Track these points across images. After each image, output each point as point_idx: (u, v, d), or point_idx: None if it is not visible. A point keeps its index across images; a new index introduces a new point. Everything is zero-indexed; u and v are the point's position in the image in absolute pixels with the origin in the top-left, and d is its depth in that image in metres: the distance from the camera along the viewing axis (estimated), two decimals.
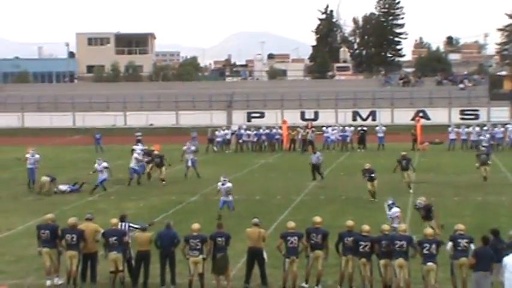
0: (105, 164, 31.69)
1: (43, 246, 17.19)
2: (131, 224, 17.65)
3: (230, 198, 25.78)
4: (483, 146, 40.57)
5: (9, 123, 72.82)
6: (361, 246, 16.07)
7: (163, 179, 33.50)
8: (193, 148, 37.18)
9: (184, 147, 37.13)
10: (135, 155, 34.52)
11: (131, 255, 17.27)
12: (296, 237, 16.31)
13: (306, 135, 50.25)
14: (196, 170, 36.11)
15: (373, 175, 28.48)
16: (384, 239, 15.98)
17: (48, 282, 17.02)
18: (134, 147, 37.72)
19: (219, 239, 16.37)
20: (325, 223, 17.56)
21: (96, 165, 31.77)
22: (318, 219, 17.00)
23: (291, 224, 16.81)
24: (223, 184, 25.43)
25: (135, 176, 33.94)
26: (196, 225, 16.93)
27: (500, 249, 15.31)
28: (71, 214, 23.95)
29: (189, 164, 36.10)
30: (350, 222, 16.74)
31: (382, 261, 15.92)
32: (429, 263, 15.38)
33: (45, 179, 31.56)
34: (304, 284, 16.56)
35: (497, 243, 15.42)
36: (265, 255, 16.81)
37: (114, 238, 16.89)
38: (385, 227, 16.58)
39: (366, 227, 16.47)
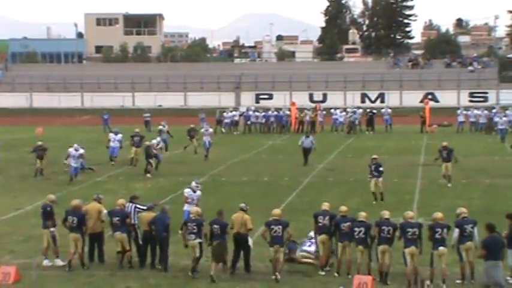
0: (81, 151, 30.04)
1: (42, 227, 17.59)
2: (138, 206, 17.61)
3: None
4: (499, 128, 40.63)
5: (18, 104, 72.92)
6: (356, 233, 15.88)
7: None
8: (210, 130, 37.01)
9: (202, 129, 37.23)
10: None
11: (138, 236, 17.27)
12: (280, 227, 15.96)
13: (314, 117, 50.38)
14: (208, 152, 35.89)
15: (380, 169, 24.38)
16: (385, 225, 15.70)
17: (45, 262, 17.12)
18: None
19: (215, 226, 16.10)
20: (333, 205, 17.51)
21: (71, 149, 29.86)
22: (344, 208, 16.56)
23: (276, 211, 16.46)
24: (194, 191, 20.02)
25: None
26: (194, 208, 16.87)
27: None
28: (78, 195, 24.03)
29: (207, 145, 35.91)
30: (344, 208, 16.52)
31: (380, 247, 15.65)
32: (441, 248, 15.26)
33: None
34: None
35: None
36: (250, 242, 16.51)
37: (117, 218, 16.94)
38: (386, 213, 16.18)
39: (363, 214, 16.33)
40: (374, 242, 15.87)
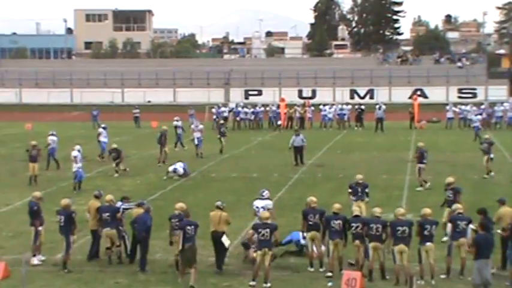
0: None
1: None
2: (124, 206, 17.54)
3: None
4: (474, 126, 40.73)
5: (7, 99, 72.65)
6: (353, 228, 15.83)
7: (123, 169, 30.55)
8: (201, 126, 36.86)
9: (192, 126, 37.17)
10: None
11: (126, 235, 17.23)
12: (268, 230, 15.37)
13: (303, 113, 50.47)
14: (199, 149, 35.67)
15: (367, 190, 20.14)
16: (375, 222, 15.65)
17: (34, 259, 17.05)
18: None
19: (188, 227, 15.44)
20: (323, 201, 17.54)
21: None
22: (337, 205, 16.31)
23: (265, 214, 16.03)
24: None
25: None
26: (179, 204, 16.59)
27: (490, 229, 15.29)
28: (68, 190, 23.99)
29: (196, 142, 35.62)
30: (337, 205, 16.33)
31: (371, 244, 15.56)
32: (428, 243, 15.32)
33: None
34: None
35: (487, 222, 15.43)
36: (226, 242, 16.24)
37: (107, 214, 16.91)
38: (377, 210, 16.13)
39: (356, 208, 16.43)
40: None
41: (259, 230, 15.46)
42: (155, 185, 27.42)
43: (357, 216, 16.11)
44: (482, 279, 13.89)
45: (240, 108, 51.60)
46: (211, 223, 16.34)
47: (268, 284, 15.16)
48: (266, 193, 17.97)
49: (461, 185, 26.63)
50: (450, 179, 19.42)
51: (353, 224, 15.88)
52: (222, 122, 41.28)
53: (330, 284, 14.90)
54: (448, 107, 50.13)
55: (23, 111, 65.56)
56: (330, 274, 15.84)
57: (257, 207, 17.48)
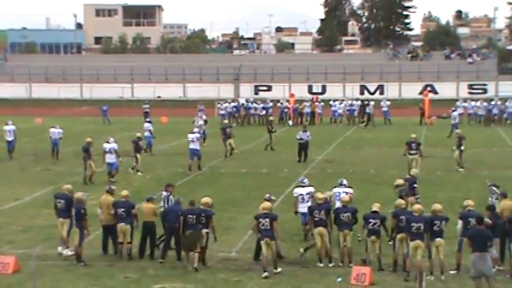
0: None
1: (58, 216, 17.42)
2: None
3: None
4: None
5: (17, 94, 72.95)
6: (371, 224, 15.96)
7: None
8: (200, 122, 36.62)
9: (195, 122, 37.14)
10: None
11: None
12: (268, 220, 15.80)
13: (314, 108, 50.40)
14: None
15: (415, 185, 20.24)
16: (401, 214, 15.83)
17: (59, 249, 17.27)
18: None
19: (190, 216, 16.22)
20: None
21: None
22: (346, 198, 16.87)
23: (266, 204, 16.32)
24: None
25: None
26: (204, 199, 16.81)
27: (498, 224, 15.46)
28: (76, 185, 24.01)
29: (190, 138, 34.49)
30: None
31: (399, 236, 15.74)
32: (438, 239, 15.35)
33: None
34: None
35: (495, 219, 15.50)
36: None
37: (122, 210, 16.96)
38: (400, 201, 16.44)
39: (377, 204, 16.45)
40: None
41: (260, 219, 15.89)
42: (165, 181, 27.27)
43: (375, 212, 16.19)
44: (477, 272, 13.97)
45: (250, 104, 51.58)
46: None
47: (279, 269, 15.72)
48: (306, 180, 18.81)
49: (471, 181, 26.84)
50: (400, 181, 19.35)
51: (371, 220, 15.99)
52: (226, 121, 40.13)
53: (339, 279, 14.91)
54: (458, 103, 49.83)
55: (33, 106, 65.80)
56: (340, 264, 16.14)
57: (300, 194, 18.20)
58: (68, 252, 17.12)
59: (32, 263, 14.95)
